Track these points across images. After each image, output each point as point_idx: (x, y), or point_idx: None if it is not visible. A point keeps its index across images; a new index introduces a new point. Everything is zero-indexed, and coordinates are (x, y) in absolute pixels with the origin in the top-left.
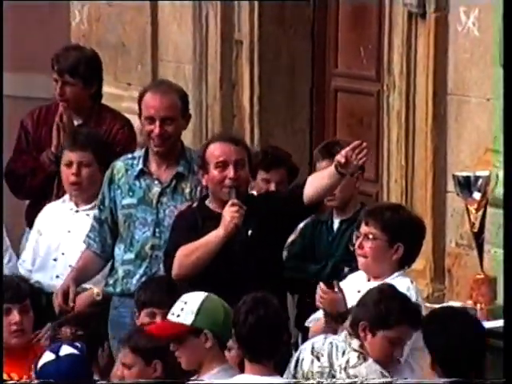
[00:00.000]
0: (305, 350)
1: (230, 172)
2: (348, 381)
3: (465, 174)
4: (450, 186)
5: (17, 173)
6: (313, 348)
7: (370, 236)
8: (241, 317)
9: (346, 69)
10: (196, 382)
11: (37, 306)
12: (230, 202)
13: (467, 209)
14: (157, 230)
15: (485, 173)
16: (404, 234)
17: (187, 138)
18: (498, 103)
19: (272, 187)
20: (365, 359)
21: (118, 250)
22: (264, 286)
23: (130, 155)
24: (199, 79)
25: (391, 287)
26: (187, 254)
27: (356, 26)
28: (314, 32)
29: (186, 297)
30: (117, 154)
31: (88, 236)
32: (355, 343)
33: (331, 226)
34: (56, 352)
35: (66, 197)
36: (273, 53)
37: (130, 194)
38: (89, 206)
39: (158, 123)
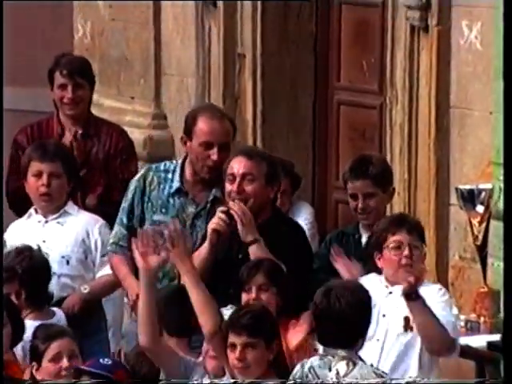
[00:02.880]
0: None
1: (234, 186)
2: (348, 380)
3: (468, 186)
4: (453, 198)
5: (18, 195)
6: (294, 380)
7: (412, 245)
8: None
9: (348, 82)
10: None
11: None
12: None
13: (470, 222)
14: None
15: (488, 186)
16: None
17: None
18: (500, 117)
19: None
20: (354, 364)
21: None
22: None
23: (161, 167)
24: (202, 93)
25: None
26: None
27: (358, 40)
28: (317, 45)
29: None
30: (122, 162)
31: (118, 245)
32: (341, 352)
33: (359, 241)
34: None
35: (31, 210)
36: (276, 67)
37: (163, 210)
38: (57, 215)
39: (215, 149)
